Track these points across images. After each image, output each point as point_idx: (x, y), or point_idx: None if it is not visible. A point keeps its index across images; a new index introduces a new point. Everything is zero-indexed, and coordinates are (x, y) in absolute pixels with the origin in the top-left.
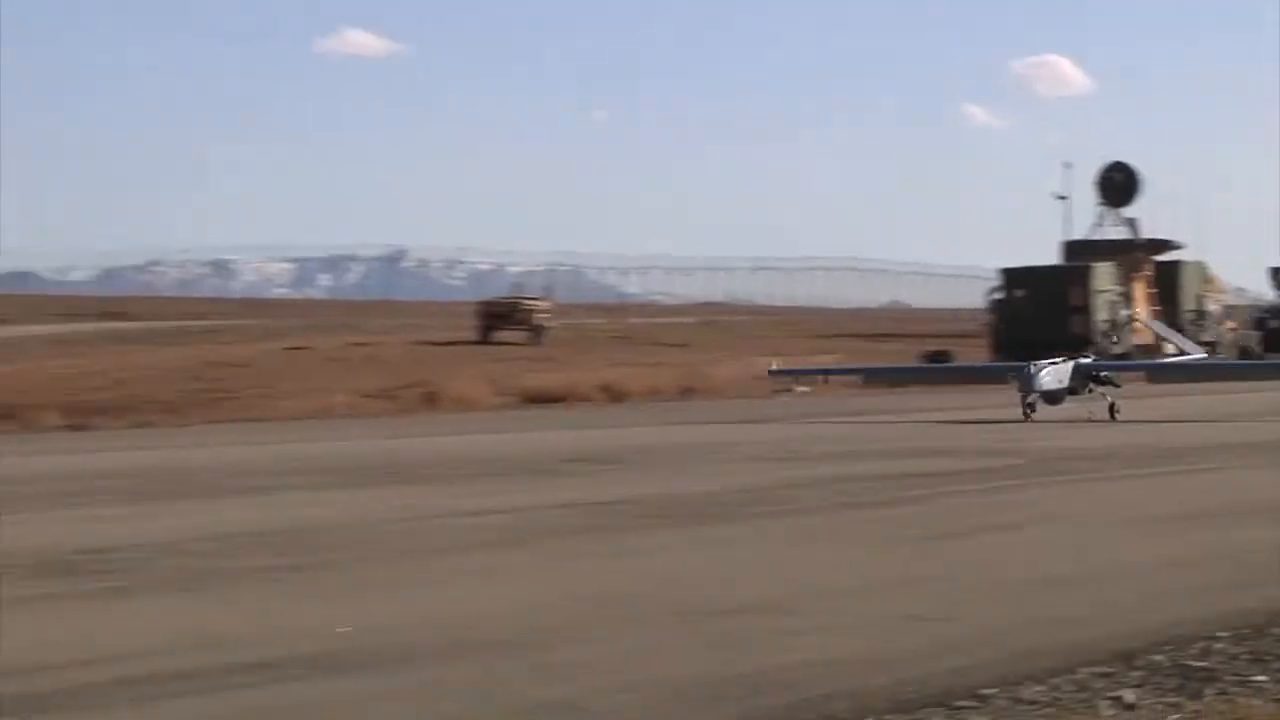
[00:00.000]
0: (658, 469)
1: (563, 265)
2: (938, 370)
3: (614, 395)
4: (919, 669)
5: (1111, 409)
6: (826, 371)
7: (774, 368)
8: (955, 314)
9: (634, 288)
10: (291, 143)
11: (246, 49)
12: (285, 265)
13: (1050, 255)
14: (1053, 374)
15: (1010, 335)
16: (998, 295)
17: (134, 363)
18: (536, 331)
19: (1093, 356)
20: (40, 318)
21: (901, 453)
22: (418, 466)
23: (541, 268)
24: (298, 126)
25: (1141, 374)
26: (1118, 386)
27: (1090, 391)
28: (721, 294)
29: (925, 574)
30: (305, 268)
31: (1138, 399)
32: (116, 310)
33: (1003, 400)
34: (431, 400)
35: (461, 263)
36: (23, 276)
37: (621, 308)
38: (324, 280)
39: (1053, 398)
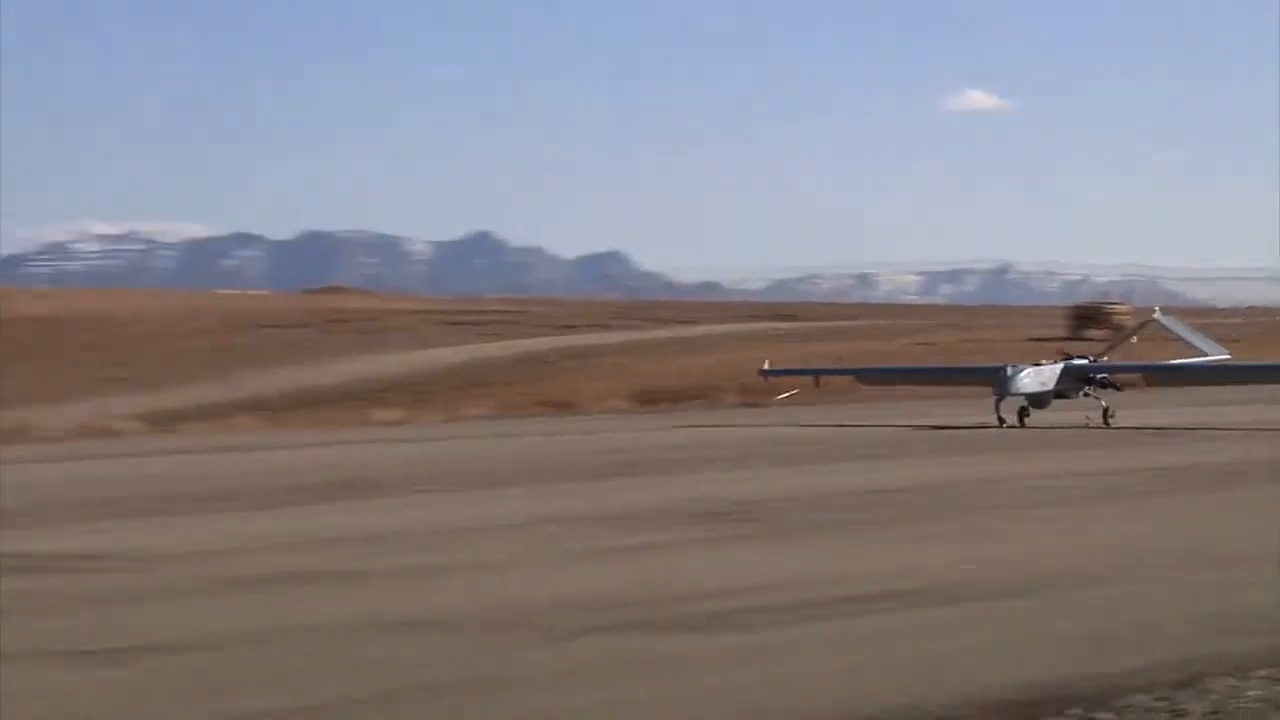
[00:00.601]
0: (1190, 443)
1: (1140, 276)
2: (930, 372)
3: None
4: None
5: (1105, 413)
6: (818, 372)
7: (766, 368)
8: None
9: (1203, 294)
10: (922, 184)
11: (889, 106)
12: (915, 277)
13: None
14: (1034, 376)
15: None
16: None
17: (798, 354)
18: (1117, 330)
19: (1090, 357)
20: (724, 319)
21: None
22: (1000, 440)
23: (1122, 278)
24: (932, 168)
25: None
26: (1118, 390)
27: (1085, 395)
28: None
29: None
30: (931, 279)
31: None
32: (785, 314)
33: None
34: None
35: (1056, 274)
36: (710, 287)
37: (1190, 312)
38: (945, 289)
39: (1037, 400)
